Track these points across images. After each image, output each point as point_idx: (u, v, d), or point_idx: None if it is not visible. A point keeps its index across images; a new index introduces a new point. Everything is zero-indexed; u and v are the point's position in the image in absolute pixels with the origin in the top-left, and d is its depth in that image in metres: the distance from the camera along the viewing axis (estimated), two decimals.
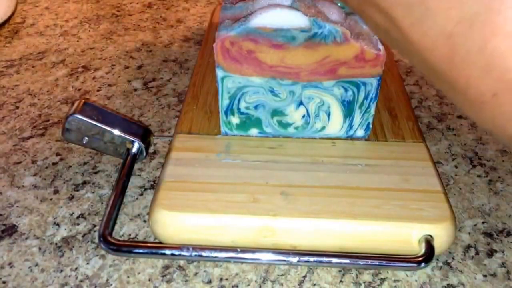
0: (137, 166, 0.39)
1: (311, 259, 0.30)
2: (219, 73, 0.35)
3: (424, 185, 0.34)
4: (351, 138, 0.38)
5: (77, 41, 0.58)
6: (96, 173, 0.39)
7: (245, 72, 0.35)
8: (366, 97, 0.36)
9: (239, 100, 0.36)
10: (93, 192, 0.37)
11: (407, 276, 0.31)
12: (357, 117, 0.37)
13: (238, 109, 0.37)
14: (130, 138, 0.37)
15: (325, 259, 0.30)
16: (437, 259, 0.32)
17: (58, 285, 0.30)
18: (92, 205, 0.36)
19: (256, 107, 0.37)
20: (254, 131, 0.38)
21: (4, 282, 0.30)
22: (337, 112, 0.37)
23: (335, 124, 0.37)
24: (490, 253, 0.33)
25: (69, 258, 0.32)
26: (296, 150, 0.37)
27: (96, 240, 0.33)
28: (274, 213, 0.31)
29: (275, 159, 0.36)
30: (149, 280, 0.31)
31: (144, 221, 0.35)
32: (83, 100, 0.37)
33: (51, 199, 0.36)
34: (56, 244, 0.33)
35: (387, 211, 0.31)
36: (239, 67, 0.34)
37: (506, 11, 0.20)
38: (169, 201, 0.32)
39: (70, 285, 0.30)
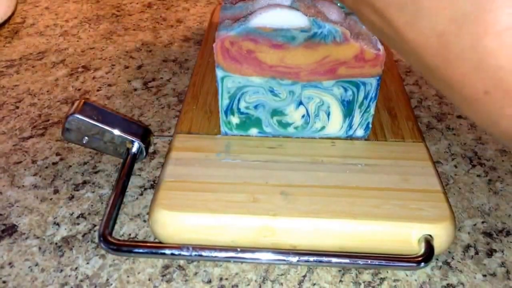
0: (137, 166, 0.39)
1: (311, 258, 0.30)
2: (219, 73, 0.35)
3: (423, 185, 0.34)
4: (350, 138, 0.38)
5: (77, 41, 0.58)
6: (96, 173, 0.39)
7: (245, 72, 0.35)
8: (365, 97, 0.36)
9: (239, 100, 0.36)
10: (93, 192, 0.37)
11: (407, 275, 0.31)
12: (357, 117, 0.37)
13: (238, 109, 0.37)
14: (130, 138, 0.37)
15: (325, 258, 0.30)
16: (437, 259, 0.32)
17: (58, 284, 0.30)
18: (92, 205, 0.36)
19: (256, 107, 0.37)
20: (254, 131, 0.38)
21: (4, 282, 0.30)
22: (336, 112, 0.37)
23: (335, 124, 0.37)
24: (490, 253, 0.33)
25: (69, 257, 0.32)
26: (296, 150, 0.37)
27: (96, 240, 0.33)
28: (274, 213, 0.31)
29: (275, 159, 0.36)
30: (149, 279, 0.31)
31: (144, 221, 0.35)
32: (83, 100, 0.37)
33: (51, 199, 0.36)
34: (56, 244, 0.33)
35: (386, 211, 0.31)
36: (239, 67, 0.34)
37: (497, 10, 0.20)
38: (169, 201, 0.32)
39: (70, 285, 0.30)
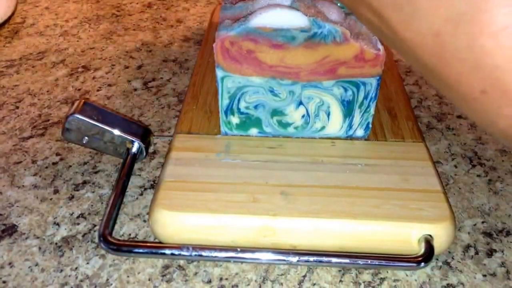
0: (137, 166, 0.39)
1: (311, 258, 0.30)
2: (219, 73, 0.35)
3: (423, 185, 0.34)
4: (350, 138, 0.38)
5: (77, 41, 0.58)
6: (96, 173, 0.39)
7: (245, 72, 0.35)
8: (365, 97, 0.36)
9: (239, 100, 0.36)
10: (93, 192, 0.37)
11: (407, 275, 0.31)
12: (357, 117, 0.37)
13: (238, 109, 0.37)
14: (130, 138, 0.37)
15: (325, 258, 0.30)
16: (437, 259, 0.32)
17: (58, 284, 0.30)
18: (92, 205, 0.36)
19: (256, 107, 0.37)
20: (254, 131, 0.38)
21: (4, 282, 0.30)
22: (336, 112, 0.37)
23: (335, 124, 0.37)
24: (490, 253, 0.33)
25: (69, 257, 0.32)
26: (296, 150, 0.37)
27: (96, 240, 0.33)
28: (274, 213, 0.31)
29: (275, 159, 0.36)
30: (149, 279, 0.31)
31: (144, 221, 0.35)
32: (83, 100, 0.37)
33: (51, 199, 0.36)
34: (56, 244, 0.33)
35: (386, 211, 0.31)
36: (239, 67, 0.34)
37: (492, 10, 0.20)
38: (169, 201, 0.32)
39: (70, 285, 0.30)
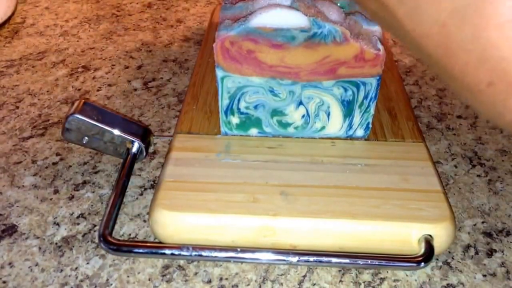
0: (137, 166, 0.39)
1: (311, 258, 0.30)
2: (219, 73, 0.35)
3: (423, 185, 0.34)
4: (350, 138, 0.38)
5: (77, 41, 0.58)
6: (96, 173, 0.39)
7: (245, 72, 0.35)
8: (365, 97, 0.36)
9: (239, 100, 0.36)
10: (93, 192, 0.37)
11: (407, 275, 0.31)
12: (357, 117, 0.37)
13: (238, 109, 0.37)
14: (130, 138, 0.37)
15: (324, 258, 0.30)
16: (437, 259, 0.32)
17: (58, 284, 0.30)
18: (92, 205, 0.36)
19: (256, 107, 0.37)
20: (254, 131, 0.38)
21: (4, 282, 0.30)
22: (336, 112, 0.37)
23: (335, 124, 0.37)
24: (490, 253, 0.33)
25: (69, 257, 0.32)
26: (295, 150, 0.37)
27: (96, 240, 0.33)
28: (274, 213, 0.31)
29: (275, 159, 0.36)
30: (149, 279, 0.31)
31: (144, 221, 0.35)
32: (83, 100, 0.37)
33: (51, 199, 0.36)
34: (56, 244, 0.33)
35: (386, 211, 0.31)
36: (239, 67, 0.34)
37: (498, 2, 0.20)
38: (169, 201, 0.32)
39: (70, 285, 0.30)
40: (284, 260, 0.30)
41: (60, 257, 0.32)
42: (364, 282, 0.31)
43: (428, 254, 0.30)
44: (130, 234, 0.34)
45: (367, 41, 0.34)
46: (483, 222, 0.35)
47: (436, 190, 0.33)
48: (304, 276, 0.31)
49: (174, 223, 0.31)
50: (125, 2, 0.69)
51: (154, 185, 0.38)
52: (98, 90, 0.49)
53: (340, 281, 0.31)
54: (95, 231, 0.34)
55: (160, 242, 0.32)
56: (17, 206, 0.36)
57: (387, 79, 0.46)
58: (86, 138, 0.37)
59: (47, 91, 0.49)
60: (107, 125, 0.36)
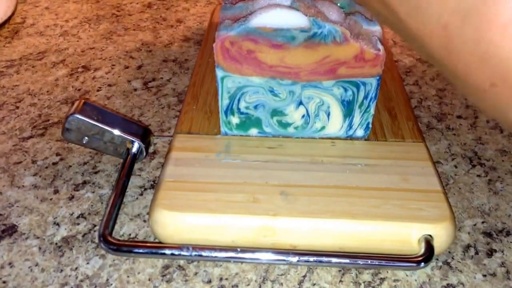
0: (137, 166, 0.39)
1: (311, 259, 0.30)
2: (219, 73, 0.35)
3: (423, 185, 0.34)
4: (350, 138, 0.38)
5: (77, 41, 0.58)
6: (96, 173, 0.39)
7: (245, 72, 0.35)
8: (365, 97, 0.36)
9: (239, 100, 0.36)
10: (93, 192, 0.37)
11: (407, 275, 0.31)
12: (357, 117, 0.37)
13: (238, 109, 0.37)
14: (130, 138, 0.37)
15: (324, 259, 0.30)
16: (437, 259, 0.32)
17: (58, 285, 0.30)
18: (92, 205, 0.36)
19: (256, 107, 0.37)
20: (254, 131, 0.38)
21: (4, 282, 0.30)
22: (336, 112, 0.37)
23: (335, 124, 0.37)
24: (490, 253, 0.33)
25: (69, 258, 0.32)
26: (295, 150, 0.37)
27: (96, 240, 0.33)
28: (274, 213, 0.31)
29: (275, 159, 0.36)
30: (149, 280, 0.31)
31: (144, 221, 0.35)
32: (83, 100, 0.37)
33: (51, 199, 0.36)
34: (56, 244, 0.33)
35: (386, 211, 0.31)
36: (239, 67, 0.34)
37: (500, 2, 0.20)
38: (169, 201, 0.32)
39: (70, 285, 0.30)
40: (284, 260, 0.30)
41: (60, 257, 0.32)
42: (364, 282, 0.31)
43: (428, 254, 0.30)
44: (130, 234, 0.34)
45: (367, 41, 0.34)
46: (483, 222, 0.35)
47: (436, 190, 0.33)
48: (304, 276, 0.31)
49: (174, 223, 0.31)
50: (125, 2, 0.69)
51: (154, 185, 0.38)
52: (98, 90, 0.49)
53: (340, 281, 0.31)
54: (95, 231, 0.34)
55: (160, 242, 0.32)
56: (17, 206, 0.36)
57: (387, 79, 0.46)
58: (86, 138, 0.37)
59: (47, 91, 0.49)
60: (107, 125, 0.36)
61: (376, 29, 0.35)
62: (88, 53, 0.56)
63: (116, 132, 0.37)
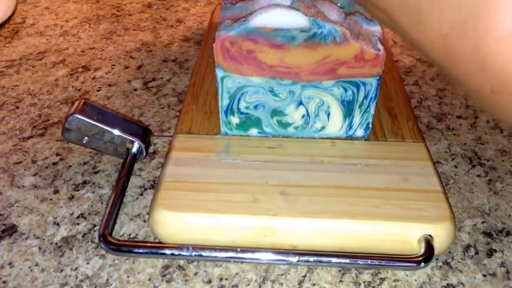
0: (137, 166, 0.39)
1: (311, 259, 0.30)
2: (219, 73, 0.35)
3: (423, 185, 0.34)
4: (350, 138, 0.38)
5: (77, 41, 0.58)
6: (96, 173, 0.39)
7: (245, 72, 0.35)
8: (365, 97, 0.36)
9: (239, 100, 0.36)
10: (93, 192, 0.37)
11: (407, 275, 0.31)
12: (357, 117, 0.37)
13: (238, 109, 0.37)
14: (130, 138, 0.37)
15: (324, 259, 0.30)
16: (437, 259, 0.32)
17: (58, 285, 0.30)
18: (92, 205, 0.36)
19: (256, 107, 0.37)
20: (254, 131, 0.38)
21: (4, 282, 0.30)
22: (336, 112, 0.37)
23: (335, 124, 0.37)
24: (490, 253, 0.33)
25: (69, 258, 0.32)
26: (295, 150, 0.37)
27: (96, 240, 0.33)
28: (274, 213, 0.31)
29: (275, 159, 0.36)
30: (149, 280, 0.31)
31: (144, 221, 0.35)
32: (83, 100, 0.37)
33: (51, 199, 0.36)
34: (56, 244, 0.33)
35: (386, 211, 0.31)
36: (239, 67, 0.34)
37: (495, 17, 0.21)
38: (169, 201, 0.32)
39: (70, 285, 0.30)
40: (284, 260, 0.30)
41: (60, 257, 0.32)
42: (364, 282, 0.31)
43: (428, 254, 0.30)
44: (130, 234, 0.34)
45: (367, 41, 0.34)
46: (483, 222, 0.35)
47: (436, 190, 0.33)
48: (304, 276, 0.31)
49: (174, 223, 0.31)
50: (125, 2, 0.69)
51: (154, 185, 0.38)
52: (98, 90, 0.49)
53: (340, 281, 0.31)
54: (95, 231, 0.34)
55: (160, 242, 0.32)
56: (17, 206, 0.36)
57: (387, 79, 0.46)
58: (86, 138, 0.37)
59: (47, 91, 0.49)
60: (107, 125, 0.36)
61: (376, 29, 0.35)
62: (88, 53, 0.56)
63: (116, 132, 0.37)
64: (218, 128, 0.39)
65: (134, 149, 0.37)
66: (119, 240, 0.31)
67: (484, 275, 0.31)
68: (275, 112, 0.37)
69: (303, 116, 0.37)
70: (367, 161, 0.36)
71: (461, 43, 0.22)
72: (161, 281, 0.30)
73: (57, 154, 0.41)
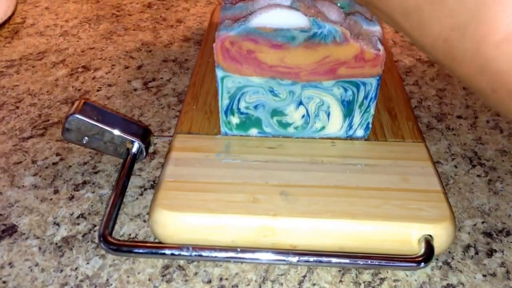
0: (137, 166, 0.39)
1: (311, 259, 0.30)
2: (219, 73, 0.35)
3: (423, 185, 0.34)
4: (350, 138, 0.38)
5: (77, 41, 0.58)
6: (96, 173, 0.39)
7: (245, 72, 0.35)
8: (365, 97, 0.36)
9: (239, 100, 0.36)
10: (93, 192, 0.37)
11: (407, 276, 0.31)
12: (357, 117, 0.37)
13: (238, 109, 0.37)
14: (130, 138, 0.37)
15: (324, 259, 0.30)
16: (437, 259, 0.32)
17: (58, 285, 0.30)
18: (92, 205, 0.36)
19: (256, 107, 0.37)
20: (254, 131, 0.38)
21: (4, 282, 0.30)
22: (336, 112, 0.37)
23: (335, 124, 0.37)
24: (490, 253, 0.33)
25: (69, 258, 0.32)
26: (295, 150, 0.37)
27: (96, 240, 0.33)
28: (274, 213, 0.31)
29: (275, 159, 0.36)
30: (149, 280, 0.31)
31: (144, 221, 0.35)
32: (83, 100, 0.37)
33: (51, 199, 0.36)
34: (56, 244, 0.33)
35: (386, 211, 0.31)
36: (239, 67, 0.34)
37: (493, 20, 0.22)
38: (169, 201, 0.32)
39: (70, 285, 0.30)
40: (284, 260, 0.30)
41: (60, 257, 0.32)
42: (364, 282, 0.31)
43: (428, 254, 0.30)
44: (130, 234, 0.34)
45: (367, 41, 0.34)
46: (483, 222, 0.35)
47: (436, 190, 0.33)
48: (304, 276, 0.31)
49: (174, 223, 0.31)
50: (125, 2, 0.69)
51: (154, 185, 0.38)
52: (98, 90, 0.49)
53: (340, 281, 0.31)
54: (95, 231, 0.34)
55: (160, 242, 0.32)
56: (17, 206, 0.36)
57: (387, 79, 0.46)
58: (86, 138, 0.37)
59: (47, 91, 0.49)
60: (107, 125, 0.36)
61: (376, 29, 0.35)
62: (88, 53, 0.56)
63: (116, 132, 0.37)
64: (218, 128, 0.39)
65: (134, 149, 0.37)
66: (119, 240, 0.31)
67: (484, 275, 0.31)
68: (275, 112, 0.37)
69: (303, 116, 0.37)
70: (367, 161, 0.36)
71: (461, 46, 0.23)
72: (161, 281, 0.30)
73: (57, 154, 0.41)
